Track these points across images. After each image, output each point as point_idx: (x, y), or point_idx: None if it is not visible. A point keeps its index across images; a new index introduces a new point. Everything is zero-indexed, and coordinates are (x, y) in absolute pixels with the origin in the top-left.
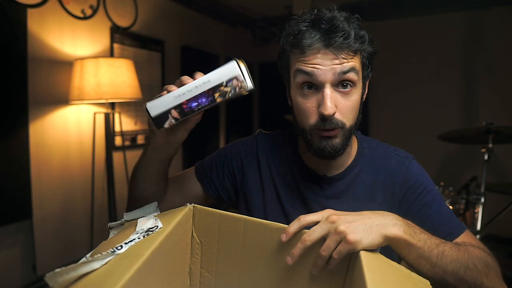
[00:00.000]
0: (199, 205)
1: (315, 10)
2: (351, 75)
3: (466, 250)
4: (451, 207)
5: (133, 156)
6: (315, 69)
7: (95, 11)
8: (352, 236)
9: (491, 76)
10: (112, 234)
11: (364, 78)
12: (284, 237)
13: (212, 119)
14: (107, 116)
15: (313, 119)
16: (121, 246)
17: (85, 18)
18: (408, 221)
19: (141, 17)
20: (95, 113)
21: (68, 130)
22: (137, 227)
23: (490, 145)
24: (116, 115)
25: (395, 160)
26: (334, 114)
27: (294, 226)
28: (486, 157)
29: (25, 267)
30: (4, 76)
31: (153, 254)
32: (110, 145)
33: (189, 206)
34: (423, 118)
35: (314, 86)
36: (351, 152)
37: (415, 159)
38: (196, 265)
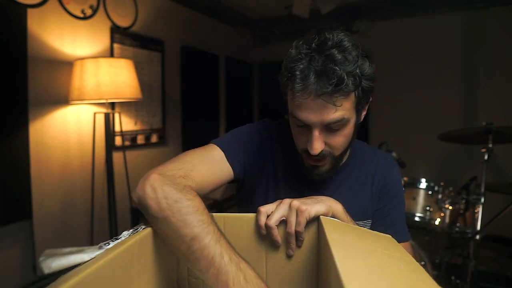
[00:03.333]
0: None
1: (314, 39)
2: (340, 123)
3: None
4: (451, 207)
5: (133, 156)
6: (305, 118)
7: (95, 11)
8: (304, 206)
9: (491, 76)
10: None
11: (358, 111)
12: (263, 231)
13: (212, 119)
14: (107, 116)
15: (303, 146)
16: (108, 243)
17: (85, 18)
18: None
19: (141, 17)
20: (95, 113)
21: (68, 130)
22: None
23: (490, 145)
24: (116, 115)
25: (382, 162)
26: (321, 151)
27: (260, 218)
28: (486, 157)
29: (25, 267)
30: (4, 76)
31: (140, 241)
32: (110, 145)
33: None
34: (423, 118)
35: (306, 125)
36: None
37: (397, 166)
38: (183, 274)
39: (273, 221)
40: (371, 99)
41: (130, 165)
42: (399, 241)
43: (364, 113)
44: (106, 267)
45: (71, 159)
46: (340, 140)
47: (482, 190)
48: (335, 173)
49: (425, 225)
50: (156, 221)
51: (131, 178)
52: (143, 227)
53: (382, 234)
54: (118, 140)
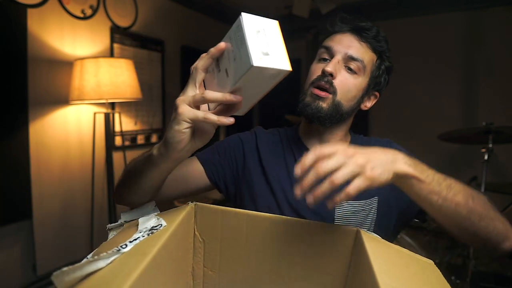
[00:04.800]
0: (200, 203)
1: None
2: (358, 64)
3: (462, 184)
4: None
5: (133, 156)
6: (333, 45)
7: (95, 11)
8: (371, 172)
9: (491, 76)
10: (111, 235)
11: (373, 78)
12: (298, 170)
13: None
14: (107, 116)
15: (314, 76)
16: (126, 245)
17: (85, 18)
18: (415, 159)
19: (141, 17)
20: (95, 113)
21: (68, 130)
22: (139, 226)
23: (490, 145)
24: (116, 115)
25: (378, 142)
26: (332, 74)
27: (309, 158)
28: (486, 157)
29: (25, 267)
30: (4, 76)
31: (159, 252)
32: (110, 145)
33: (191, 205)
34: (423, 118)
35: (329, 60)
36: (346, 141)
37: (395, 144)
38: (199, 265)
39: (340, 178)
40: (379, 95)
41: None
42: None
43: (371, 102)
44: (152, 265)
45: (71, 159)
46: (349, 82)
47: (482, 190)
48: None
49: (425, 225)
50: None
51: None
52: (124, 220)
53: (424, 259)
54: (118, 140)
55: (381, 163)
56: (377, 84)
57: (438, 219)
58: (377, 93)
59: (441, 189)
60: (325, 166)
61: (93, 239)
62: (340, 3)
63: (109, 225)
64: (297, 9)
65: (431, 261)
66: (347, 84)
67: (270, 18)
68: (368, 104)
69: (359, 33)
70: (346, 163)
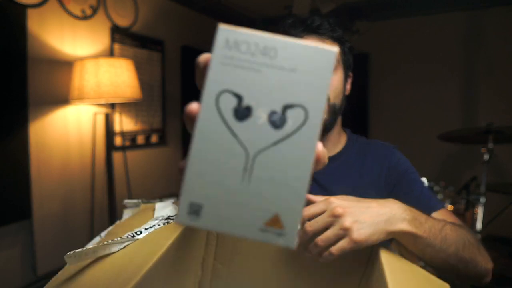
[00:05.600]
0: None
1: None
2: None
3: (456, 228)
4: (451, 207)
5: (133, 156)
6: None
7: (95, 11)
8: (357, 235)
9: (491, 76)
10: (126, 214)
11: (344, 64)
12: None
13: None
14: (107, 116)
15: None
16: (141, 232)
17: (85, 18)
18: (411, 209)
19: (141, 17)
20: (95, 113)
21: (68, 130)
22: (155, 212)
23: (491, 145)
24: (116, 115)
25: (380, 146)
26: None
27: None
28: (486, 157)
29: (25, 267)
30: (4, 76)
31: (173, 245)
32: (110, 145)
33: None
34: (423, 118)
35: None
36: (342, 141)
37: (396, 148)
38: (210, 257)
39: (312, 229)
40: (352, 74)
41: (130, 165)
42: (437, 210)
43: (349, 84)
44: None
45: (71, 159)
46: (334, 82)
47: (482, 190)
48: (334, 159)
49: None
50: None
51: (131, 178)
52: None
53: (440, 282)
54: (118, 140)
55: (372, 223)
56: (348, 66)
57: (426, 262)
58: (350, 73)
59: (436, 243)
60: (312, 225)
61: (93, 239)
62: (340, 3)
63: (126, 201)
64: (297, 9)
65: (447, 285)
66: (333, 85)
67: (269, 18)
68: (348, 87)
69: (315, 31)
70: (332, 225)
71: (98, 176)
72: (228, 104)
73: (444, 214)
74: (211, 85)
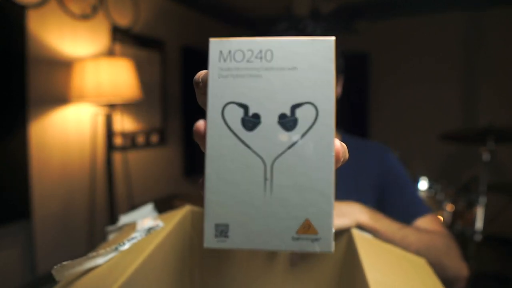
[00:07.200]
0: (196, 207)
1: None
2: None
3: (427, 233)
4: (451, 207)
5: (133, 156)
6: None
7: (95, 11)
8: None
9: (491, 76)
10: (110, 237)
11: (336, 72)
12: None
13: None
14: (107, 116)
15: None
16: (124, 243)
17: (85, 18)
18: (371, 209)
19: (142, 17)
20: (95, 113)
21: (68, 130)
22: (137, 226)
23: (491, 145)
24: (116, 116)
25: (375, 147)
26: None
27: None
28: (486, 157)
29: (25, 267)
30: (4, 76)
31: (155, 250)
32: (110, 145)
33: (188, 207)
34: (423, 118)
35: None
36: None
37: (390, 150)
38: (196, 266)
39: None
40: (342, 76)
41: (130, 165)
42: (422, 215)
43: (341, 86)
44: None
45: (71, 159)
46: None
47: (483, 190)
48: None
49: None
50: None
51: (131, 178)
52: (123, 223)
53: (416, 258)
54: (118, 140)
55: (345, 212)
56: (341, 71)
57: None
58: (341, 77)
59: (395, 239)
60: None
61: (93, 239)
62: (340, 3)
63: (108, 227)
64: (297, 9)
65: (423, 260)
66: None
67: (269, 18)
68: (339, 89)
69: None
70: None
71: (98, 176)
72: (235, 116)
73: (429, 220)
74: (214, 101)
